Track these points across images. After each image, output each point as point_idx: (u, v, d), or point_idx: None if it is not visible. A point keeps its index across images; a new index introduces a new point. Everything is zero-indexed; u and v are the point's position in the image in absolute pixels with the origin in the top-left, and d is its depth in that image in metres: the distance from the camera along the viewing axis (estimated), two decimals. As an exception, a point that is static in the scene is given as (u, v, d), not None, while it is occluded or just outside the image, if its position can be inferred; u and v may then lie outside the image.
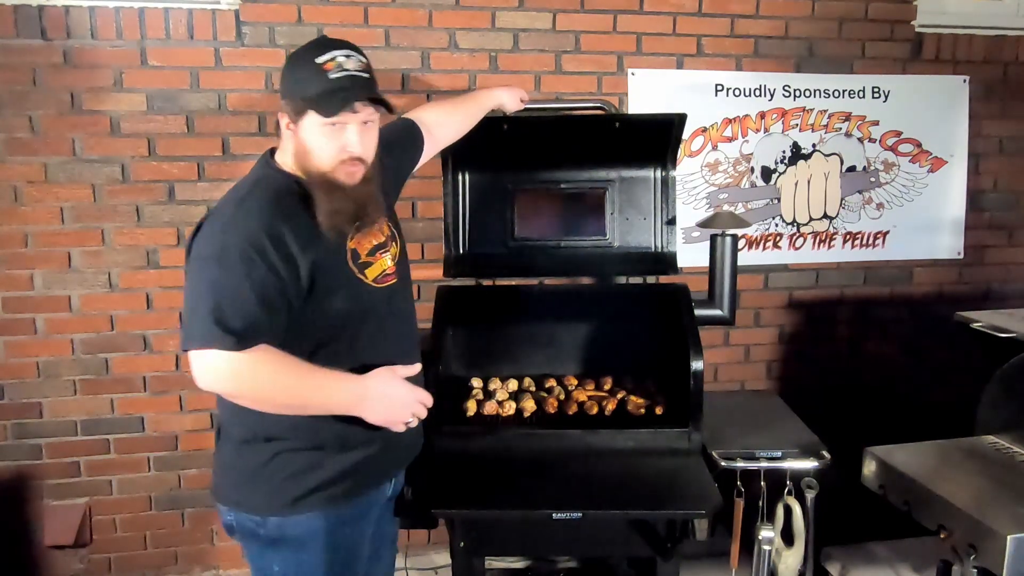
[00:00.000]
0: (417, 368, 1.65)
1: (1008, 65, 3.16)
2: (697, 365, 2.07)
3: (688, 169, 2.99)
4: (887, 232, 3.17)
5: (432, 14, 2.75)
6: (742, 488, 2.16)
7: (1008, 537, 1.66)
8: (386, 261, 1.67)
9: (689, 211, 3.00)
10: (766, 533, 2.17)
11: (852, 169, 3.11)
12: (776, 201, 3.08)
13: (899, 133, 3.11)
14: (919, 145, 3.14)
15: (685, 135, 2.94)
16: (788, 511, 2.22)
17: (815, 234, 3.12)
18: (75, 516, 2.78)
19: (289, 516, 1.59)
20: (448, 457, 2.07)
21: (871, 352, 3.23)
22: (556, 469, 2.03)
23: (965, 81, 3.12)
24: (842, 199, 3.12)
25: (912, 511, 1.95)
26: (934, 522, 1.87)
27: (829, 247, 3.14)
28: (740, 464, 2.13)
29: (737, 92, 2.98)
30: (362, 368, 1.57)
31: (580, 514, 1.87)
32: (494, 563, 2.80)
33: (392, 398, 1.55)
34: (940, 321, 3.03)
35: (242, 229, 1.47)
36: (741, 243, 2.94)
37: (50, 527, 2.76)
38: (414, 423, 1.60)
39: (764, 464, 2.15)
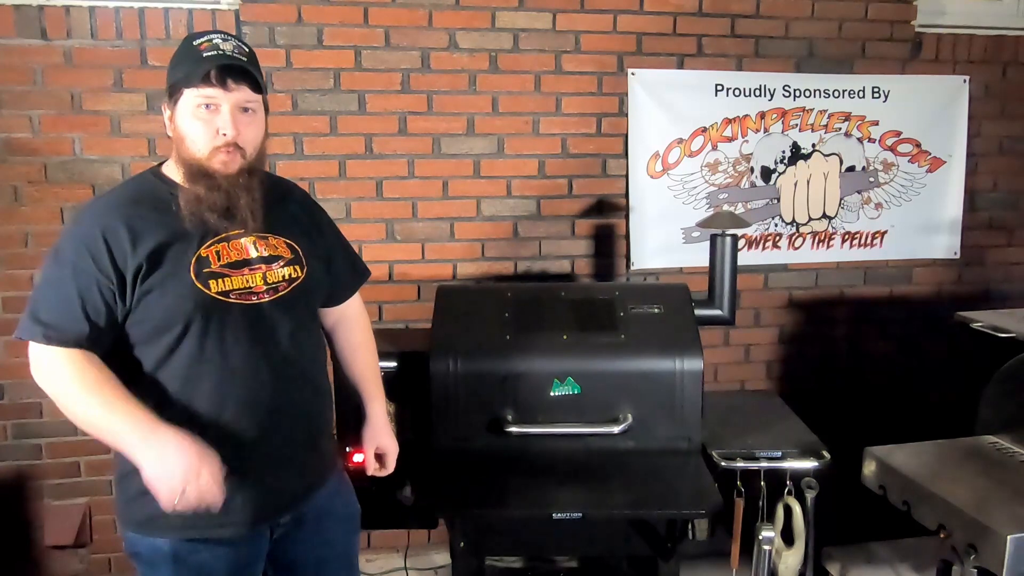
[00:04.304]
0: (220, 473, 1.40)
1: (1008, 65, 3.16)
2: (697, 365, 2.08)
3: (688, 169, 2.99)
4: (885, 232, 3.16)
5: (432, 14, 2.75)
6: (742, 488, 2.16)
7: (1008, 537, 1.67)
8: (254, 279, 1.53)
9: (689, 211, 3.00)
10: (766, 533, 2.17)
11: (851, 169, 3.11)
12: (776, 201, 3.08)
13: (899, 133, 3.11)
14: (918, 145, 3.14)
15: (685, 135, 2.96)
16: (788, 511, 2.22)
17: (814, 234, 3.12)
18: (75, 516, 2.77)
19: (138, 534, 1.54)
20: (448, 457, 2.07)
21: (871, 352, 3.23)
22: (556, 469, 2.03)
23: (965, 81, 3.12)
24: (841, 199, 3.12)
25: (912, 511, 1.95)
26: (934, 522, 1.87)
27: (828, 247, 3.14)
28: (740, 464, 2.13)
29: (737, 92, 2.98)
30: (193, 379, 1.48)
31: (580, 514, 1.87)
32: (494, 563, 2.80)
33: (172, 460, 1.35)
34: (940, 321, 3.03)
35: (83, 226, 1.47)
36: (741, 243, 2.94)
37: (50, 527, 2.76)
38: (188, 502, 1.36)
39: (764, 464, 2.15)
